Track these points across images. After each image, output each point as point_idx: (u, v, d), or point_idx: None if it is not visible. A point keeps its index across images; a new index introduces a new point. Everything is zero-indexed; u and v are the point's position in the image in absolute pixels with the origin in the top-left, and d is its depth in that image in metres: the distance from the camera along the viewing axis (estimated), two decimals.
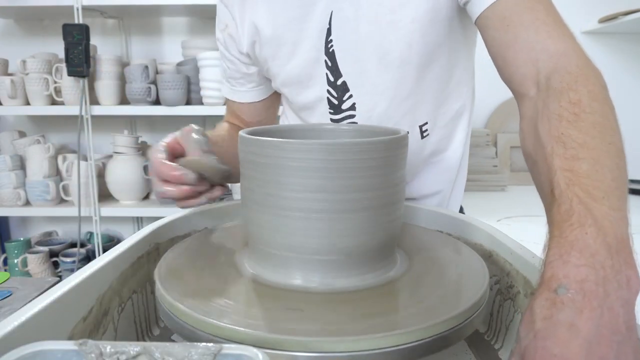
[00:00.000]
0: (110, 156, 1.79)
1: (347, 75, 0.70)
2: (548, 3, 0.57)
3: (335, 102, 0.73)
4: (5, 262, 1.82)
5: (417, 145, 0.75)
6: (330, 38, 0.68)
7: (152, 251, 0.56)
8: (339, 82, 0.71)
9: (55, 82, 1.69)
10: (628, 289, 0.32)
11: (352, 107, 0.72)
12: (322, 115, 0.75)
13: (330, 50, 0.69)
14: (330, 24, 0.68)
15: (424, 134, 0.75)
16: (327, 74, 0.71)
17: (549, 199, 0.40)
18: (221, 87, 0.87)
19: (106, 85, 1.70)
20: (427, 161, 0.79)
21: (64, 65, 1.62)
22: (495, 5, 0.57)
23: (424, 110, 0.74)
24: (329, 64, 0.70)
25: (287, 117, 0.86)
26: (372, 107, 0.72)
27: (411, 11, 0.64)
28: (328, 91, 0.72)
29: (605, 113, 0.46)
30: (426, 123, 0.74)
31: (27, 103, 1.74)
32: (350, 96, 0.72)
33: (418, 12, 0.64)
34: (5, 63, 1.78)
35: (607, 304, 0.31)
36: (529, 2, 0.56)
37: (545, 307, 0.32)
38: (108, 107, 1.72)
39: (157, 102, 1.73)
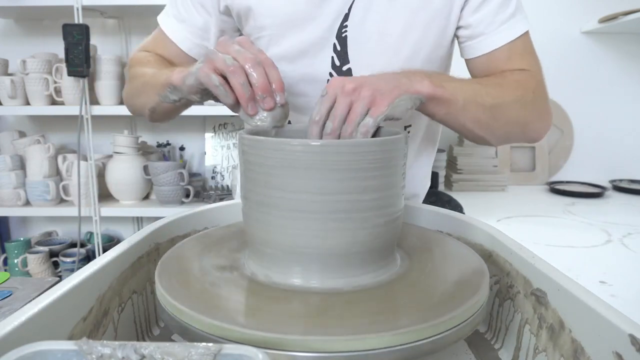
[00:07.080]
0: (110, 156, 1.79)
1: (355, 63, 0.69)
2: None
3: None
4: (5, 262, 1.82)
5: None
6: (346, 23, 0.67)
7: (152, 251, 0.56)
8: (345, 68, 0.70)
9: (55, 82, 1.69)
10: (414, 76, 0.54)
11: None
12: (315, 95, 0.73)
13: (343, 35, 0.68)
14: (350, 9, 0.67)
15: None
16: (333, 57, 0.70)
17: None
18: (163, 18, 0.77)
19: (106, 85, 1.69)
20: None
21: (64, 65, 1.62)
22: (493, 54, 0.69)
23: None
24: (338, 48, 0.69)
25: None
26: None
27: (430, 18, 0.68)
28: (330, 74, 0.70)
29: (505, 93, 0.63)
30: (410, 125, 0.76)
31: (27, 103, 1.73)
32: None
33: (434, 22, 0.68)
34: (5, 63, 1.78)
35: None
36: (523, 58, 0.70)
37: None
38: (108, 107, 1.72)
39: None
